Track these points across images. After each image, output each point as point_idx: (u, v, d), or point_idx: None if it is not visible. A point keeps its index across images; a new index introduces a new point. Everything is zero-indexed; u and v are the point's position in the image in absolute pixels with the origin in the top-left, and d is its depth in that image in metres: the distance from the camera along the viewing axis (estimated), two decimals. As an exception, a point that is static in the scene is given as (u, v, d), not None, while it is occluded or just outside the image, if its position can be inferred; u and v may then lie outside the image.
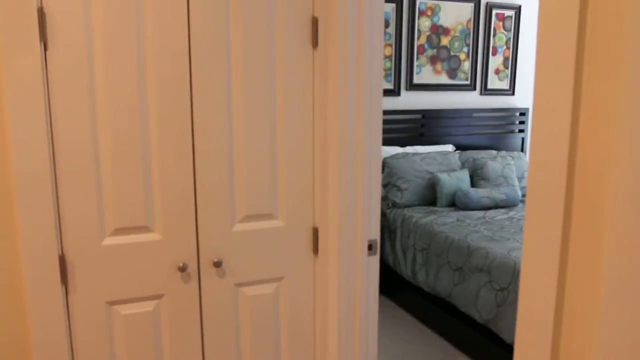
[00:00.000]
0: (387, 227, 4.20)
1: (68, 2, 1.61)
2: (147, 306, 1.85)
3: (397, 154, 4.43)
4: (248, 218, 1.91)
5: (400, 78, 4.71)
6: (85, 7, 1.63)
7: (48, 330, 1.72)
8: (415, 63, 4.75)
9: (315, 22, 1.87)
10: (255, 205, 1.91)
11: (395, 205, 4.28)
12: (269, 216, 1.94)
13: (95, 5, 1.64)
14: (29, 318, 1.71)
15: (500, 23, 5.04)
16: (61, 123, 1.66)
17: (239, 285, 1.95)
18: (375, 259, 2.01)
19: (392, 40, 4.63)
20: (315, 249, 2.02)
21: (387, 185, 4.33)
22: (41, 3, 1.59)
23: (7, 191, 1.64)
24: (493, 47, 5.05)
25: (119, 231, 1.77)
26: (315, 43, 1.89)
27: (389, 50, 4.63)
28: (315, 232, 2.01)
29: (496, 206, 4.23)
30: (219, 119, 1.81)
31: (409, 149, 4.65)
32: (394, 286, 4.18)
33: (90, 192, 1.72)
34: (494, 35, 5.04)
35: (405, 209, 4.20)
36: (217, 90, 1.80)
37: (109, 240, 1.77)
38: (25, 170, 1.62)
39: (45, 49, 1.61)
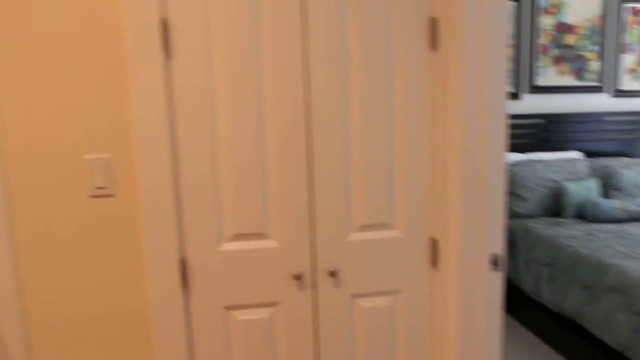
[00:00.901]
0: (507, 238, 3.97)
1: (190, 13, 1.64)
2: (263, 313, 1.84)
3: (518, 161, 4.19)
4: (364, 228, 1.85)
5: (520, 80, 4.46)
6: (205, 16, 1.65)
7: (169, 332, 1.76)
8: (537, 64, 4.48)
9: (433, 23, 1.78)
10: (371, 215, 1.85)
11: (516, 215, 4.04)
12: (385, 226, 1.86)
13: (214, 14, 1.65)
14: (152, 320, 1.76)
15: (636, 18, 4.64)
16: (182, 130, 1.69)
17: (355, 296, 1.89)
18: (500, 276, 1.87)
19: (512, 41, 4.40)
20: (434, 262, 1.92)
21: (508, 194, 4.10)
22: (165, 14, 1.63)
23: (132, 196, 1.70)
24: (625, 44, 4.65)
25: (237, 237, 1.78)
26: (433, 45, 1.80)
27: (508, 51, 4.40)
28: (433, 243, 1.91)
29: (631, 219, 3.87)
30: (336, 125, 1.77)
31: (531, 156, 4.38)
32: (515, 302, 3.94)
33: (210, 199, 1.74)
34: (627, 31, 4.64)
35: (528, 220, 3.95)
36: (333, 95, 1.76)
37: (227, 246, 1.78)
38: (150, 175, 1.67)
39: (167, 58, 1.65)
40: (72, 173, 1.66)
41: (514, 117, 4.43)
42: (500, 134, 1.80)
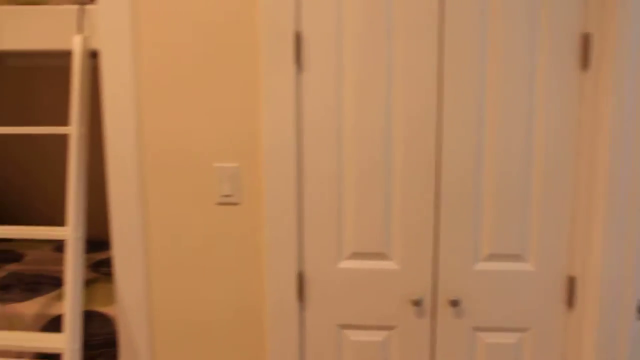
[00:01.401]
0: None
1: (322, 26, 1.63)
2: (377, 336, 1.78)
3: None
4: (492, 257, 1.72)
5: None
6: (337, 30, 1.63)
7: (282, 342, 1.76)
8: None
9: (586, 39, 1.61)
10: (501, 244, 1.71)
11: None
12: (516, 257, 1.72)
13: (346, 27, 1.63)
14: (267, 330, 1.77)
15: None
16: (309, 143, 1.68)
17: (477, 329, 1.76)
18: (648, 324, 1.65)
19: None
20: (569, 302, 1.74)
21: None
22: (299, 27, 1.64)
23: (256, 206, 1.72)
24: None
25: (356, 255, 1.74)
26: (584, 63, 1.63)
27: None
28: (570, 281, 1.73)
29: None
30: (467, 147, 1.67)
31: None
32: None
33: (332, 214, 1.71)
34: None
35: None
36: (467, 115, 1.65)
37: (345, 264, 1.74)
38: (275, 186, 1.68)
39: (299, 70, 1.65)
40: (202, 180, 1.72)
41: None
42: (658, 165, 1.59)
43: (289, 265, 1.73)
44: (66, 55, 2.11)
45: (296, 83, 1.65)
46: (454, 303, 1.72)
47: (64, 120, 2.95)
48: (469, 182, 1.68)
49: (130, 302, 1.79)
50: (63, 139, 3.00)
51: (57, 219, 3.07)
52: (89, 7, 1.76)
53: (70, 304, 1.63)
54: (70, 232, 1.66)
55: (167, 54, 1.68)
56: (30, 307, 2.02)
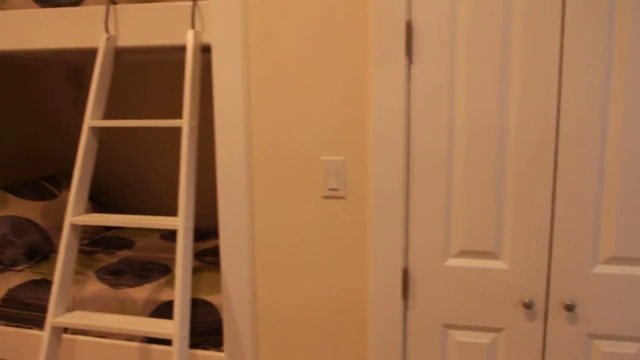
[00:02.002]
0: None
1: (435, 16, 1.58)
2: (484, 338, 1.71)
3: None
4: (613, 260, 1.61)
5: None
6: (450, 20, 1.57)
7: (385, 340, 1.74)
8: None
9: None
10: (624, 246, 1.59)
11: None
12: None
13: (460, 17, 1.57)
14: (369, 326, 1.75)
15: None
16: (417, 137, 1.64)
17: (593, 337, 1.66)
18: None
19: None
20: (702, 311, 1.60)
21: None
22: (410, 17, 1.60)
23: (362, 200, 1.70)
24: None
25: (463, 253, 1.68)
26: None
27: None
28: (703, 289, 1.59)
29: None
30: (589, 139, 1.56)
31: None
32: None
33: (439, 210, 1.66)
34: None
35: None
36: (589, 108, 1.54)
37: (452, 262, 1.69)
38: (382, 180, 1.66)
39: (410, 62, 1.62)
40: (309, 174, 1.72)
41: None
42: None
43: (394, 261, 1.69)
44: (169, 49, 2.17)
45: (406, 74, 1.61)
46: (569, 307, 1.63)
47: (159, 114, 3.05)
48: (590, 178, 1.58)
49: (235, 292, 1.83)
50: (164, 132, 3.11)
51: (158, 209, 3.19)
52: (201, 2, 1.80)
53: (179, 292, 1.69)
54: (181, 223, 1.71)
55: (276, 47, 1.70)
56: (141, 293, 2.12)
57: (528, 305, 1.64)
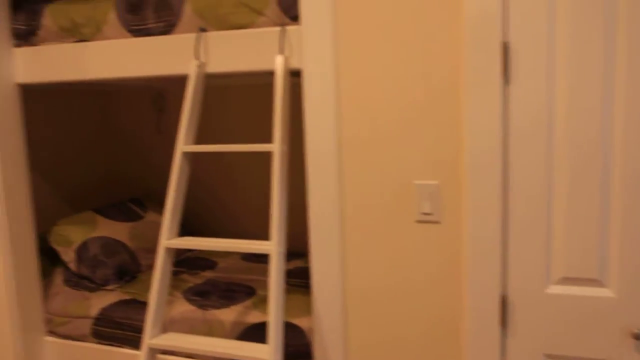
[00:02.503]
0: None
1: (533, 37, 1.53)
2: (588, 369, 1.63)
3: None
4: None
5: None
6: (550, 42, 1.52)
7: (482, 371, 1.68)
8: None
9: None
10: None
11: None
12: None
13: (560, 37, 1.51)
14: (465, 356, 1.70)
15: None
16: (515, 160, 1.59)
17: None
18: None
19: None
20: None
21: None
22: (506, 37, 1.55)
23: (457, 225, 1.66)
24: None
25: (566, 280, 1.60)
26: None
27: None
28: None
29: None
30: None
31: None
32: None
33: (540, 234, 1.60)
34: None
35: None
36: None
37: (554, 289, 1.62)
38: (478, 205, 1.61)
39: (505, 83, 1.57)
40: (401, 197, 1.70)
41: None
42: None
43: (491, 288, 1.64)
44: (256, 73, 2.19)
45: (503, 96, 1.57)
46: (684, 339, 1.52)
47: (241, 137, 3.10)
48: None
49: (326, 317, 1.82)
50: (245, 154, 3.15)
51: (237, 231, 3.23)
52: (290, 27, 1.82)
53: (273, 316, 1.69)
54: (274, 247, 1.71)
55: (367, 69, 1.69)
56: (228, 314, 2.13)
57: (638, 337, 1.54)
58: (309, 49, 1.75)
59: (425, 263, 1.70)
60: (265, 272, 2.60)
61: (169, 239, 1.85)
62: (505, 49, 1.56)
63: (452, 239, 1.67)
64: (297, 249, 2.89)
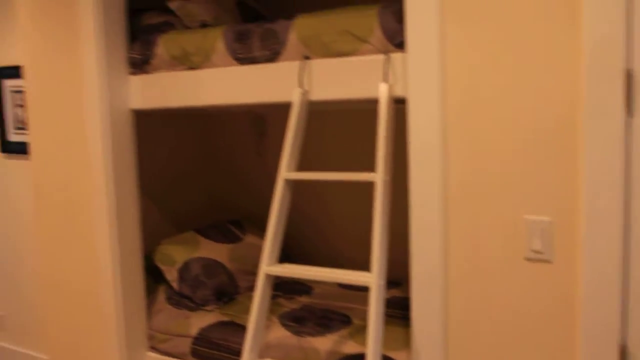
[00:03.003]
0: None
1: (665, 62, 1.41)
2: None
3: None
4: None
5: None
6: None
7: None
8: None
9: None
10: None
11: None
12: None
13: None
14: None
15: None
16: (638, 197, 1.46)
17: None
18: None
19: None
20: None
21: None
22: (630, 64, 1.44)
23: (572, 266, 1.55)
24: None
25: (696, 333, 1.45)
26: None
27: None
28: None
29: None
30: None
31: None
32: None
33: (666, 281, 1.46)
34: None
35: None
36: None
37: (682, 341, 1.47)
38: (597, 246, 1.50)
39: (629, 116, 1.45)
40: (509, 233, 1.61)
41: None
42: None
43: (609, 336, 1.51)
44: (357, 101, 2.18)
45: (625, 129, 1.45)
46: None
47: (339, 163, 3.10)
48: None
49: (426, 352, 1.75)
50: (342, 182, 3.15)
51: (332, 258, 3.22)
52: (394, 55, 1.79)
53: (371, 350, 1.64)
54: (374, 279, 1.68)
55: (475, 97, 1.63)
56: (324, 343, 2.11)
57: None
58: (415, 78, 1.71)
59: (535, 304, 1.60)
60: (361, 300, 2.56)
61: (269, 266, 1.86)
62: (629, 77, 1.45)
63: (565, 280, 1.56)
64: (395, 277, 2.83)
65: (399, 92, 1.79)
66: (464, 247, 1.68)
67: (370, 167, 2.90)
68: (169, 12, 2.47)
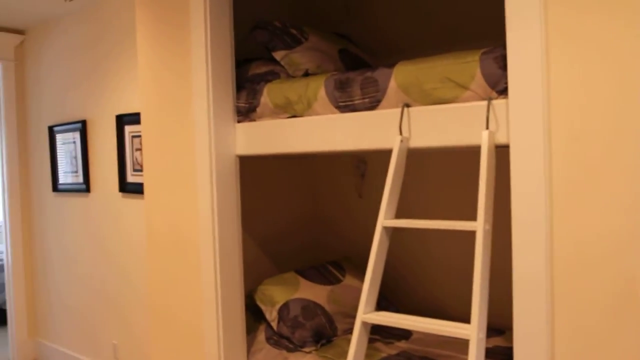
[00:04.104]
0: None
1: None
2: None
3: None
4: None
5: None
6: None
7: None
8: None
9: None
10: None
11: None
12: None
13: None
14: None
15: None
16: None
17: None
18: None
19: None
20: None
21: None
22: None
23: None
24: None
25: None
26: None
27: None
28: None
29: None
30: None
31: None
32: None
33: None
34: None
35: None
36: None
37: None
38: None
39: None
40: (624, 296, 1.50)
41: None
42: None
43: None
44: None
45: None
46: None
47: (435, 206, 3.05)
48: None
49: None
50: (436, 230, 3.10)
51: (431, 302, 3.15)
52: (496, 101, 1.76)
53: (472, 407, 1.58)
54: (474, 332, 1.63)
55: (584, 151, 1.55)
56: (423, 394, 2.06)
57: None
58: (518, 124, 1.67)
59: (654, 368, 1.48)
60: (462, 348, 2.48)
61: (366, 313, 1.85)
62: None
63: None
64: (496, 324, 2.72)
65: (501, 140, 1.76)
66: (570, 310, 1.58)
67: (471, 209, 2.83)
68: (275, 61, 2.59)
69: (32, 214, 4.37)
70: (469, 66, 1.84)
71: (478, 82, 1.81)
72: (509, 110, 1.69)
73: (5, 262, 4.38)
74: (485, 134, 1.76)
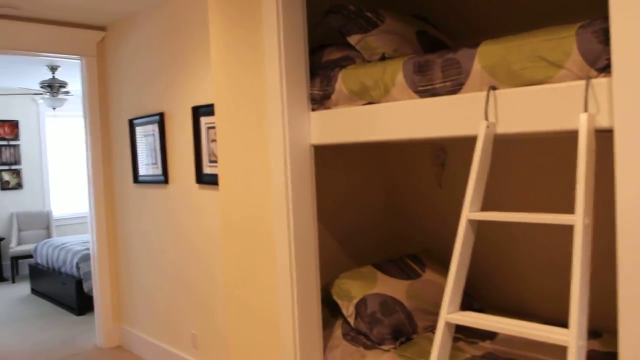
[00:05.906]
0: None
1: None
2: None
3: None
4: None
5: None
6: None
7: None
8: None
9: None
10: None
11: None
12: None
13: None
14: None
15: None
16: None
17: None
18: None
19: None
20: None
21: None
22: None
23: None
24: None
25: None
26: None
27: None
28: None
29: None
30: None
31: None
32: None
33: None
34: None
35: None
36: None
37: None
38: None
39: None
40: None
41: None
42: None
43: None
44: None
45: None
46: None
47: (526, 196, 2.84)
48: None
49: None
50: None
51: (518, 301, 2.95)
52: (596, 80, 1.58)
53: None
54: (573, 338, 1.46)
55: None
56: (512, 400, 1.91)
57: None
58: (623, 105, 1.48)
59: None
60: (552, 351, 2.29)
61: (450, 313, 1.72)
62: None
63: None
64: (590, 325, 2.50)
65: (603, 123, 1.57)
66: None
67: (560, 201, 2.62)
68: (349, 46, 2.48)
69: (115, 205, 4.48)
70: (563, 42, 1.66)
71: (574, 59, 1.63)
72: (613, 90, 1.51)
73: (91, 251, 4.53)
74: (583, 117, 1.58)
